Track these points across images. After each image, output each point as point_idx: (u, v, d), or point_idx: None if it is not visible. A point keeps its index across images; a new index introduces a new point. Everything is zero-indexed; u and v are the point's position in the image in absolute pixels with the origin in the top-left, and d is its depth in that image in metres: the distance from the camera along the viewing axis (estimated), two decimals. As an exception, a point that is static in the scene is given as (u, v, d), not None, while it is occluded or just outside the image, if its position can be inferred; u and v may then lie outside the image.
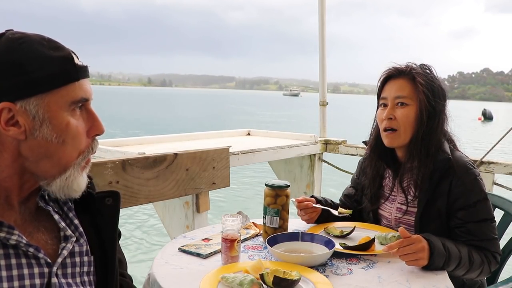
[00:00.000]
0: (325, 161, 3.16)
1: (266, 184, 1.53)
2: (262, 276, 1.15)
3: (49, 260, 0.86)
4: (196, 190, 2.18)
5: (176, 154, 2.08)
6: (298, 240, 1.45)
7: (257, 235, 1.60)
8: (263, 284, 1.14)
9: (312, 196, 1.67)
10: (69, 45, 0.89)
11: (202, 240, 1.50)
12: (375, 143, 1.63)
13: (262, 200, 1.54)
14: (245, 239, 1.55)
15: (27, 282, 0.82)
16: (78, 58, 0.88)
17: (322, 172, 3.21)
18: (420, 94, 1.49)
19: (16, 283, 0.80)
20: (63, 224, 0.93)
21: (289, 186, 1.55)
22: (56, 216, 0.93)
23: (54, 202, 0.95)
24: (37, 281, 0.84)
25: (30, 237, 0.87)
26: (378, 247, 1.46)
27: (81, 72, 0.86)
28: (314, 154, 3.10)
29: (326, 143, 3.13)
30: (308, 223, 1.66)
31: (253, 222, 1.68)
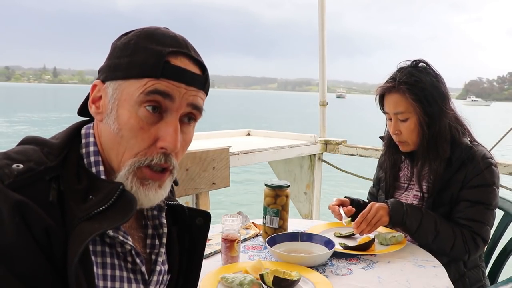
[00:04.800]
0: (325, 161, 3.16)
1: (266, 184, 1.53)
2: (262, 276, 1.15)
3: (146, 277, 0.81)
4: (196, 190, 2.17)
5: (176, 154, 2.08)
6: (298, 240, 1.45)
7: (257, 235, 1.60)
8: (263, 284, 1.14)
9: (345, 197, 1.69)
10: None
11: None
12: (390, 137, 1.67)
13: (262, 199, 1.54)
14: (245, 239, 1.55)
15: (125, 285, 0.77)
16: (197, 66, 0.79)
17: (322, 172, 3.20)
18: (414, 107, 1.53)
19: (117, 284, 0.76)
20: (150, 230, 0.85)
21: (288, 186, 1.55)
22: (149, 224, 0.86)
23: None
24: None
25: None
26: (378, 247, 1.46)
27: (169, 72, 0.74)
28: (314, 154, 3.10)
29: (326, 143, 3.13)
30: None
31: (253, 222, 1.68)
